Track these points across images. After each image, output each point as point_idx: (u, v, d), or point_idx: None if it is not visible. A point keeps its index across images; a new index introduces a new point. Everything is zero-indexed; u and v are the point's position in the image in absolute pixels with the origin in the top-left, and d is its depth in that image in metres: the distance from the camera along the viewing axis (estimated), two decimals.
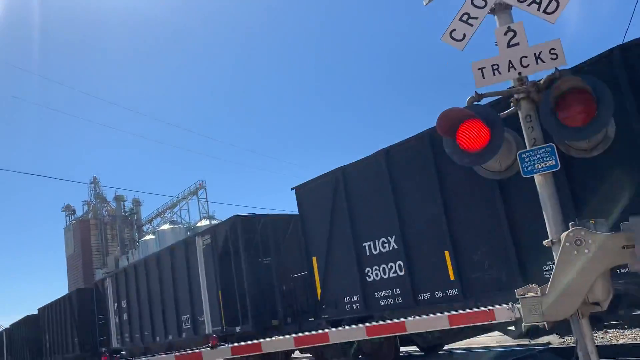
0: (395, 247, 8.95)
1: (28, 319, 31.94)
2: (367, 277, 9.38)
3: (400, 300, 8.87)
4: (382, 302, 9.13)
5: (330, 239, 10.05)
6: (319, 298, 10.28)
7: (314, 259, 10.45)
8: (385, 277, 9.10)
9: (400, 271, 8.89)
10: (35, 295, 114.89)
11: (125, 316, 19.06)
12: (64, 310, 25.13)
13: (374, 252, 9.33)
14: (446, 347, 11.53)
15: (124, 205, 73.46)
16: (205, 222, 54.12)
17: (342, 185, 9.82)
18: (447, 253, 8.20)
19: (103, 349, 20.62)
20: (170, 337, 16.08)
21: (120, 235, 71.26)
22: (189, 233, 50.84)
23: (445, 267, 8.23)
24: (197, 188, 62.09)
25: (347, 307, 9.71)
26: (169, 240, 46.15)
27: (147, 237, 60.28)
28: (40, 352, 29.58)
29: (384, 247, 9.18)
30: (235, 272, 13.19)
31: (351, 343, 9.62)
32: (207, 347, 7.45)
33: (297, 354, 13.13)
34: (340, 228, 9.88)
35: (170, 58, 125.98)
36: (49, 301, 29.37)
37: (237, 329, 12.90)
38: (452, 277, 8.13)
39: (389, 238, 9.06)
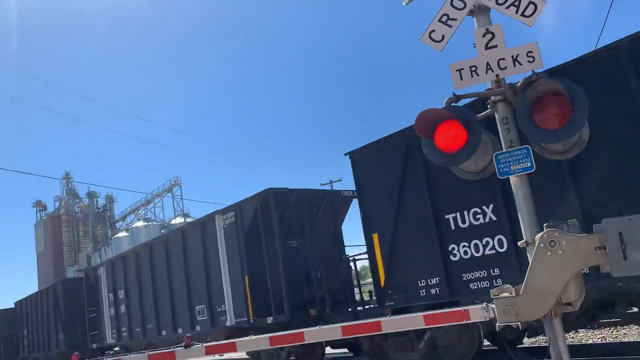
0: (494, 218, 7.70)
1: (2, 314, 29.34)
2: (451, 256, 8.11)
3: (500, 282, 7.35)
4: (473, 286, 7.86)
5: (399, 211, 8.62)
6: (382, 282, 8.77)
7: (375, 236, 8.92)
8: (479, 255, 7.80)
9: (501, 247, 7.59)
10: (4, 293, 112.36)
11: (122, 308, 17.17)
12: (46, 303, 22.88)
13: (462, 226, 8.03)
14: None
15: (96, 201, 72.29)
16: (180, 220, 53.62)
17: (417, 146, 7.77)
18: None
19: (94, 345, 18.94)
20: (180, 330, 14.16)
21: (93, 232, 70.13)
22: (163, 230, 50.32)
23: None
24: (172, 185, 61.52)
25: (422, 292, 8.40)
26: (143, 237, 45.61)
27: (121, 235, 59.51)
28: (16, 350, 27.61)
29: (477, 219, 7.88)
30: (267, 254, 11.48)
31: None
32: (181, 347, 7.35)
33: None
34: (414, 198, 8.48)
35: (148, 54, 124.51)
36: (19, 298, 28.03)
37: (269, 319, 11.25)
38: None
39: (485, 208, 7.77)
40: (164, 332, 14.83)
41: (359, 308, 10.87)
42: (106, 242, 66.11)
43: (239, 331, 11.85)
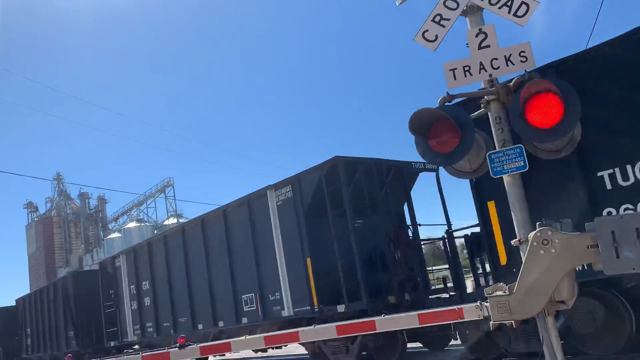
0: None
1: (2, 312, 27.15)
2: None
3: None
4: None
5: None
6: (502, 260, 7.14)
7: (491, 204, 7.28)
8: None
9: None
10: None
11: (147, 301, 15.24)
12: (54, 298, 20.62)
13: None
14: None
15: (88, 202, 72.04)
16: (172, 220, 53.49)
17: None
18: None
19: (112, 344, 17.03)
20: (221, 323, 12.54)
21: (85, 233, 69.83)
22: (156, 231, 50.14)
23: None
24: (165, 186, 61.37)
25: None
26: (135, 238, 45.47)
27: (113, 236, 59.29)
28: (17, 350, 25.50)
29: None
30: (336, 233, 9.95)
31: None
32: (175, 347, 7.33)
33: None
34: None
35: (139, 54, 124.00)
36: (13, 300, 27.22)
37: (340, 308, 9.78)
38: None
39: None
40: (200, 326, 13.22)
41: (444, 295, 10.20)
42: (98, 243, 65.83)
43: (298, 322, 10.48)
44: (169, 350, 7.25)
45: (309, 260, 10.19)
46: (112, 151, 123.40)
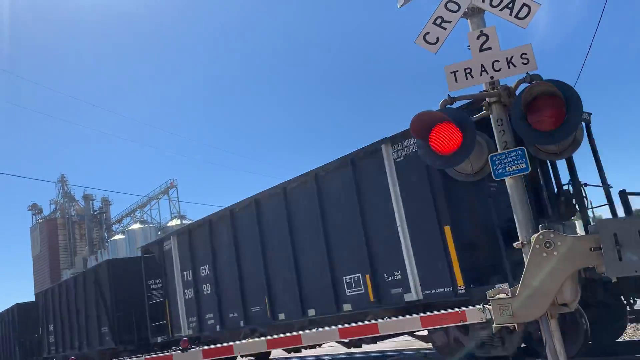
0: None
1: (20, 308, 24.93)
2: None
3: None
4: None
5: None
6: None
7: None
8: None
9: None
10: (0, 297, 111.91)
11: (207, 288, 12.88)
12: (84, 290, 18.17)
13: None
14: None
15: (92, 204, 72.21)
16: (176, 222, 53.60)
17: None
18: None
19: (159, 339, 14.85)
20: (312, 312, 10.12)
21: (89, 235, 70.01)
22: (159, 233, 50.22)
23: None
24: (168, 187, 61.46)
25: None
26: (139, 240, 45.59)
27: (117, 237, 59.41)
28: (36, 349, 23.33)
29: None
30: (484, 195, 7.90)
31: None
32: (178, 350, 7.34)
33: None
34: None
35: (143, 57, 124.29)
36: (14, 303, 26.28)
37: (501, 286, 6.48)
38: None
39: None
40: (281, 316, 10.91)
41: None
42: (102, 245, 65.99)
43: (427, 307, 8.34)
44: (171, 353, 7.26)
45: (447, 230, 8.13)
46: (115, 153, 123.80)
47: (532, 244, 4.40)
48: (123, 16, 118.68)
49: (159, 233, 49.60)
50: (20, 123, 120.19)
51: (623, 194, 8.03)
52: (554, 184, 8.57)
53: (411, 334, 8.23)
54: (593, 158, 8.07)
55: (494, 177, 4.92)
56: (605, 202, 7.80)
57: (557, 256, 4.30)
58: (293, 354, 13.22)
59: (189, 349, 7.21)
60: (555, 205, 7.75)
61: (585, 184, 8.01)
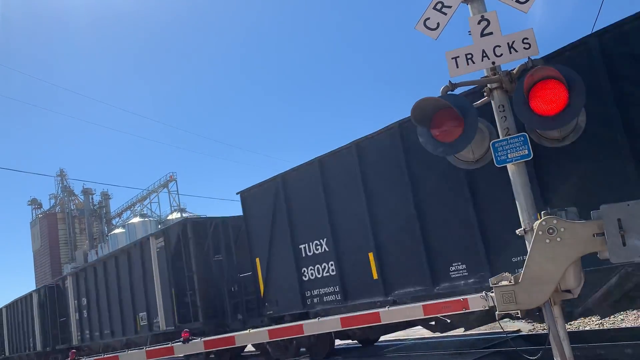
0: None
1: (44, 291, 21.74)
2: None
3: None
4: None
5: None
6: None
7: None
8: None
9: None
10: (1, 292, 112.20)
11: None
12: (141, 264, 14.53)
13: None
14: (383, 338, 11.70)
15: (92, 198, 72.10)
16: (176, 215, 53.55)
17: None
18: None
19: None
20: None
21: (89, 229, 69.99)
22: (160, 226, 50.19)
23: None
24: (168, 180, 61.35)
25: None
26: (140, 233, 45.49)
27: (117, 231, 59.38)
28: (61, 335, 20.12)
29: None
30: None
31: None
32: (179, 342, 7.32)
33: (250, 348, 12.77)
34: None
35: (143, 49, 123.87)
36: (15, 297, 25.53)
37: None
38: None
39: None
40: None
41: None
42: (103, 238, 66.01)
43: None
44: (172, 344, 7.25)
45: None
46: (114, 147, 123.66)
47: (535, 231, 4.36)
48: (119, 9, 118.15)
49: (159, 226, 49.60)
50: (19, 117, 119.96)
51: None
52: None
53: (424, 323, 8.20)
54: None
55: (495, 164, 4.88)
56: None
57: (560, 242, 4.26)
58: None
59: (190, 340, 7.20)
60: None
61: None
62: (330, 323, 6.73)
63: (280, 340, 9.37)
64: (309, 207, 9.50)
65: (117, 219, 69.81)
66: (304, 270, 9.56)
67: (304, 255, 9.58)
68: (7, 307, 27.15)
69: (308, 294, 9.54)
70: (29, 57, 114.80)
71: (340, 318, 6.59)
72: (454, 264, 7.40)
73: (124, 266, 15.87)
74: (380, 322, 6.18)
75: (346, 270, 8.86)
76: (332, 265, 9.05)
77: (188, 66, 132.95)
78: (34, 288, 26.65)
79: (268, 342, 10.04)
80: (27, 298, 23.72)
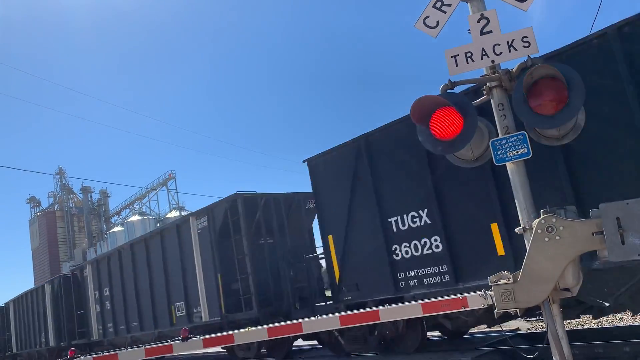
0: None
1: (59, 282, 19.75)
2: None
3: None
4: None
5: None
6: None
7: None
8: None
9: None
10: (0, 290, 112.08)
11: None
12: (160, 250, 13.86)
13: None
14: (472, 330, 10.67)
15: (91, 196, 72.04)
16: (175, 213, 53.51)
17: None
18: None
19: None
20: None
21: (88, 227, 69.93)
22: (158, 224, 50.20)
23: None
24: (167, 179, 61.27)
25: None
26: (138, 232, 45.47)
27: (116, 229, 59.35)
28: (77, 329, 18.58)
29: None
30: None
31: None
32: (178, 340, 7.33)
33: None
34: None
35: (142, 48, 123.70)
36: (15, 295, 24.74)
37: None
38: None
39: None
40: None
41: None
42: (101, 237, 65.97)
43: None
44: (171, 342, 7.24)
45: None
46: (113, 145, 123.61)
47: (534, 229, 4.37)
48: (118, 8, 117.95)
49: (158, 225, 49.60)
50: (18, 115, 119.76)
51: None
52: None
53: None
54: None
55: (495, 163, 4.88)
56: None
57: (559, 241, 4.27)
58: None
59: (189, 338, 7.19)
60: None
61: None
62: (330, 321, 6.73)
63: (357, 330, 8.51)
64: (402, 173, 8.08)
65: (115, 217, 69.76)
66: (396, 248, 8.11)
67: (394, 230, 8.13)
68: (15, 300, 25.41)
69: (401, 275, 8.10)
70: (28, 56, 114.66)
71: (339, 316, 6.59)
72: None
73: (156, 251, 14.16)
74: (379, 320, 6.18)
75: (457, 246, 7.44)
76: (436, 240, 7.66)
77: (187, 64, 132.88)
78: (33, 286, 25.87)
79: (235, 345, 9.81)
80: (39, 290, 21.94)
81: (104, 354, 9.61)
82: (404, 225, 8.01)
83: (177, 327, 12.71)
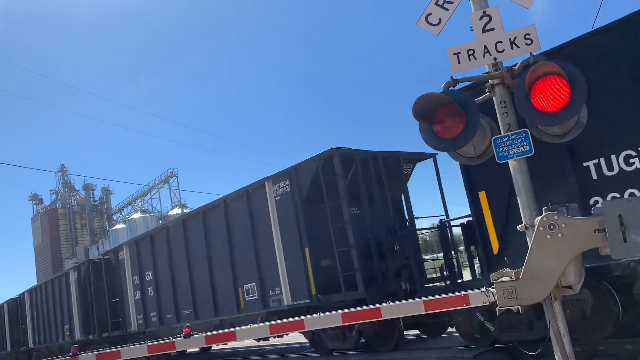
0: None
1: (88, 268, 17.71)
2: None
3: None
4: None
5: None
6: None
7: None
8: None
9: None
10: (3, 287, 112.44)
11: None
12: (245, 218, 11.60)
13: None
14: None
15: (93, 194, 72.36)
16: (177, 211, 53.64)
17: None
18: None
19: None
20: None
21: (90, 224, 70.18)
22: (160, 222, 50.32)
23: None
24: (169, 176, 61.44)
25: None
26: (140, 229, 45.60)
27: (118, 226, 59.55)
28: (108, 320, 16.52)
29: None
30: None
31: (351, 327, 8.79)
32: (180, 337, 7.34)
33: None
34: None
35: (144, 45, 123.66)
36: (18, 293, 23.70)
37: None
38: None
39: None
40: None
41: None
42: (104, 234, 66.16)
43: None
44: (174, 339, 7.26)
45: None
46: (115, 142, 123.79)
47: (536, 227, 4.37)
48: (123, 5, 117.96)
49: (160, 222, 49.67)
50: (20, 113, 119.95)
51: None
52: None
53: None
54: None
55: (497, 160, 4.88)
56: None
57: (561, 238, 4.27)
58: (262, 342, 13.03)
59: (191, 335, 7.21)
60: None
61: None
62: (331, 319, 6.74)
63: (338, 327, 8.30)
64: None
65: (117, 215, 70.01)
66: (596, 202, 6.06)
67: (595, 176, 6.21)
68: (32, 290, 23.07)
69: None
70: (30, 53, 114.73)
71: (342, 313, 6.60)
72: None
73: (217, 225, 12.01)
74: (381, 317, 6.19)
75: None
76: None
77: (190, 62, 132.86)
78: (35, 283, 24.44)
79: (323, 329, 8.88)
80: (61, 278, 19.73)
81: (106, 350, 9.63)
82: (611, 169, 6.11)
83: (246, 314, 11.04)
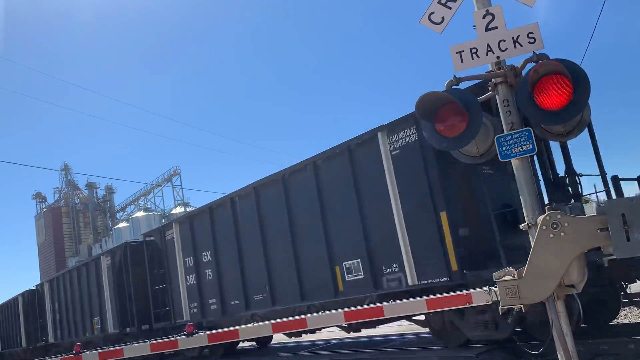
0: None
1: (121, 252, 15.39)
2: None
3: None
4: None
5: None
6: None
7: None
8: None
9: None
10: (6, 285, 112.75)
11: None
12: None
13: None
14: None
15: (96, 192, 72.41)
16: (180, 209, 53.71)
17: None
18: None
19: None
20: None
21: (93, 223, 70.29)
22: (163, 220, 50.38)
23: None
24: (172, 175, 61.51)
25: None
26: (143, 227, 45.67)
27: (121, 225, 59.65)
28: (148, 310, 13.88)
29: None
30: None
31: None
32: (183, 335, 7.35)
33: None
34: None
35: (146, 44, 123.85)
36: (21, 291, 22.25)
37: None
38: None
39: None
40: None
41: None
42: (107, 232, 66.30)
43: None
44: (176, 338, 7.27)
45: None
46: (119, 141, 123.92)
47: (539, 225, 4.36)
48: (127, 4, 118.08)
49: (163, 220, 49.73)
50: (23, 112, 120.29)
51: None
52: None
53: (409, 319, 7.87)
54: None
55: (500, 159, 4.87)
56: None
57: (564, 237, 4.25)
58: (294, 339, 11.70)
59: (194, 333, 7.22)
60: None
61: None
62: (335, 317, 6.73)
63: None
64: None
65: (121, 213, 70.13)
66: None
67: None
68: (53, 280, 20.38)
69: None
70: (34, 52, 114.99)
71: (344, 312, 6.60)
72: None
73: (303, 191, 9.76)
74: (383, 316, 6.18)
75: None
76: None
77: (193, 61, 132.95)
78: (39, 282, 22.48)
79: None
80: (90, 265, 17.07)
81: (109, 349, 9.59)
82: None
83: (346, 297, 8.93)
